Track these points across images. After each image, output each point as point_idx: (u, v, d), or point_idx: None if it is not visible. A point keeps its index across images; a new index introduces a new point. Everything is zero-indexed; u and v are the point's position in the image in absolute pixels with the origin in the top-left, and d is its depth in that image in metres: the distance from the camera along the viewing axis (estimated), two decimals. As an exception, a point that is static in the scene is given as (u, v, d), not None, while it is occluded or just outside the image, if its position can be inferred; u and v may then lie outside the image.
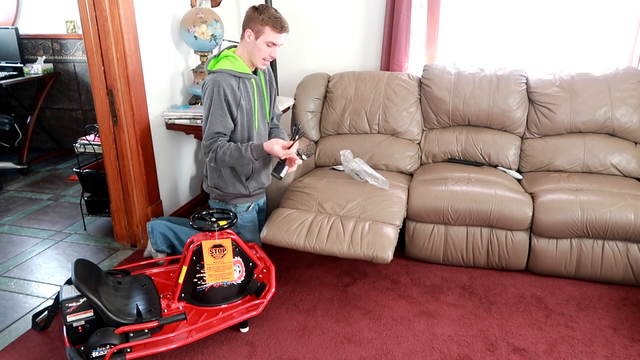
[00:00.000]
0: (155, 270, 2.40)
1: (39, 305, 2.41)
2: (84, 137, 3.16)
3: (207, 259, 2.10)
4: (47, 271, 2.73)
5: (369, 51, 3.52)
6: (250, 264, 2.23)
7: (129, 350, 1.88)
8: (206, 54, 2.96)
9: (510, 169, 2.95)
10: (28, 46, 4.54)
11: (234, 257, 2.14)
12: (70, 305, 1.91)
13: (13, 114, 4.44)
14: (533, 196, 2.61)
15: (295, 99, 3.24)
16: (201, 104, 2.78)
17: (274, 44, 2.23)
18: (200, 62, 3.01)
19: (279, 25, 2.19)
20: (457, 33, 3.39)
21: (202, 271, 2.12)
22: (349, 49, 3.55)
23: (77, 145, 3.12)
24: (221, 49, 3.02)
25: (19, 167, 4.27)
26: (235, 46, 2.35)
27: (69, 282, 2.04)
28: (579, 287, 2.48)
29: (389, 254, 2.26)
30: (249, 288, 2.21)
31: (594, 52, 3.19)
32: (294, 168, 2.35)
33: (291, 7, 3.55)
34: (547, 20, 3.20)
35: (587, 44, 3.19)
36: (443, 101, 3.03)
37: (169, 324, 2.00)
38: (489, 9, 3.29)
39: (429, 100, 3.08)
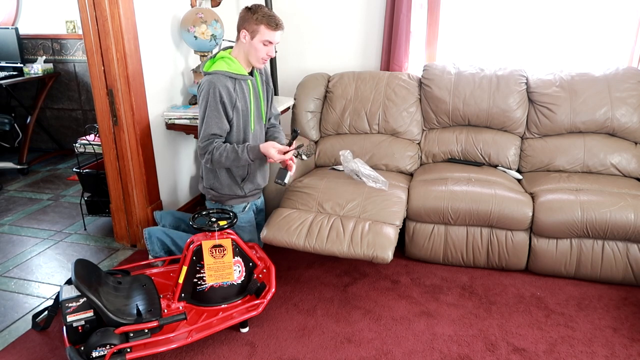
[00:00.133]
0: (155, 270, 2.40)
1: (39, 305, 2.41)
2: (84, 137, 3.16)
3: (207, 259, 2.10)
4: (47, 271, 2.73)
5: (369, 51, 3.52)
6: (250, 264, 2.23)
7: (129, 350, 1.88)
8: (206, 54, 2.96)
9: (510, 169, 2.95)
10: (28, 46, 4.54)
11: (234, 257, 2.14)
12: (70, 305, 1.91)
13: (13, 114, 4.44)
14: (533, 196, 2.61)
15: (295, 99, 3.24)
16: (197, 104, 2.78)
17: (270, 42, 2.23)
18: (200, 62, 3.01)
19: (274, 23, 2.20)
20: (457, 33, 3.39)
21: (202, 271, 2.12)
22: (349, 49, 3.55)
23: (77, 145, 3.12)
24: (220, 49, 3.02)
25: (19, 167, 4.27)
26: (231, 47, 2.35)
27: (69, 282, 2.04)
28: (579, 287, 2.48)
29: (389, 254, 2.26)
30: (249, 288, 2.21)
31: (594, 52, 3.19)
32: (293, 170, 2.34)
33: (291, 7, 3.55)
34: (547, 20, 3.20)
35: (587, 44, 3.19)
36: (443, 101, 3.03)
37: (169, 324, 2.00)
38: (489, 9, 3.29)
39: (429, 100, 3.08)
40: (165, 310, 2.09)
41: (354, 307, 2.35)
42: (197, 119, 2.79)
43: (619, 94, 2.83)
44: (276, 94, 3.61)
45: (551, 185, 2.67)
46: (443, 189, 2.62)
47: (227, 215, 2.26)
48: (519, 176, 2.88)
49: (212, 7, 3.23)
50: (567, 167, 2.86)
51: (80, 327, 1.94)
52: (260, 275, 2.30)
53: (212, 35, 2.84)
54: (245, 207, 2.50)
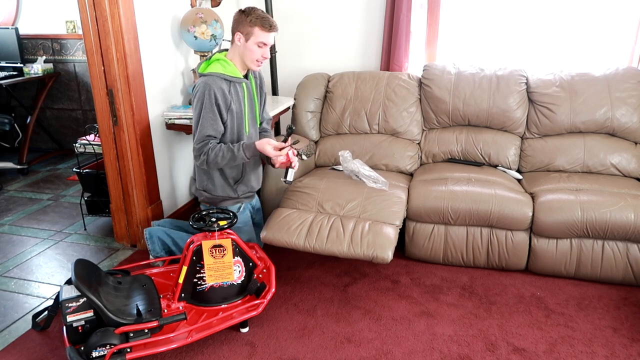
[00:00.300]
0: (155, 270, 2.40)
1: (39, 305, 2.41)
2: (84, 137, 3.16)
3: (207, 259, 2.10)
4: (47, 271, 2.73)
5: (369, 51, 3.52)
6: (250, 264, 2.23)
7: (129, 350, 1.88)
8: (206, 54, 2.96)
9: (510, 169, 2.95)
10: (28, 46, 4.54)
11: (234, 257, 2.14)
12: (70, 305, 1.91)
13: (13, 114, 4.44)
14: (533, 196, 2.61)
15: (295, 99, 3.24)
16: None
17: (265, 44, 2.24)
18: (200, 62, 3.01)
19: (268, 24, 2.21)
20: (457, 33, 3.39)
21: (202, 271, 2.12)
22: (349, 49, 3.55)
23: (77, 145, 3.12)
24: (220, 49, 3.02)
25: (19, 167, 4.27)
26: (227, 50, 2.36)
27: (69, 282, 2.03)
28: (579, 287, 2.48)
29: (389, 254, 2.26)
30: (249, 288, 2.21)
31: (594, 52, 3.19)
32: (296, 166, 2.34)
33: (291, 7, 3.55)
34: (547, 20, 3.20)
35: (587, 44, 3.19)
36: (443, 101, 3.03)
37: (169, 324, 1.99)
38: (489, 9, 3.29)
39: (429, 100, 3.08)
40: (165, 310, 2.09)
41: (354, 307, 2.35)
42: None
43: (619, 94, 2.83)
44: (276, 94, 3.61)
45: (551, 185, 2.67)
46: (443, 189, 2.62)
47: (227, 215, 2.26)
48: (519, 176, 2.88)
49: (212, 7, 3.23)
50: (567, 167, 2.86)
51: (80, 327, 1.94)
52: (260, 275, 2.30)
53: (212, 35, 2.84)
54: (239, 208, 2.50)
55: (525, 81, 2.99)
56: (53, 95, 4.63)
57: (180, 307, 2.13)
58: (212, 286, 2.14)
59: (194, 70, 3.03)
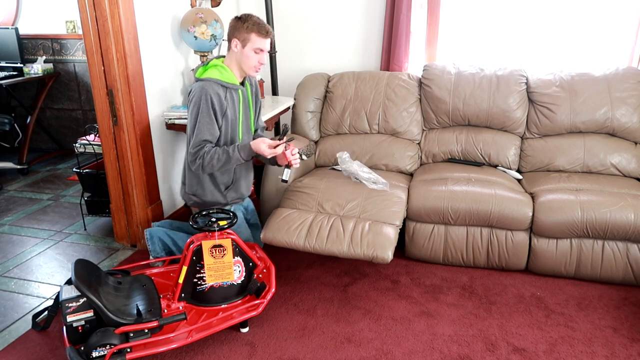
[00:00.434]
0: (155, 270, 2.40)
1: (39, 305, 2.41)
2: (84, 137, 3.16)
3: (207, 259, 2.10)
4: (47, 271, 2.73)
5: (369, 51, 3.52)
6: (250, 264, 2.23)
7: (129, 350, 1.88)
8: (206, 54, 2.96)
9: (510, 169, 2.95)
10: (28, 46, 4.54)
11: (234, 257, 2.14)
12: (70, 305, 1.91)
13: (13, 114, 4.44)
14: (533, 196, 2.61)
15: (295, 99, 3.24)
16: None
17: (261, 50, 2.27)
18: (200, 62, 3.01)
19: (264, 30, 2.24)
20: (457, 33, 3.40)
21: (202, 271, 2.12)
22: (349, 49, 3.55)
23: (77, 145, 3.12)
24: (221, 49, 3.02)
25: (19, 167, 4.27)
26: (224, 56, 2.37)
27: (69, 282, 2.03)
28: (579, 287, 2.48)
29: (389, 254, 2.26)
30: (249, 288, 2.21)
31: (594, 52, 3.19)
32: (297, 166, 2.34)
33: (291, 7, 3.55)
34: (547, 20, 3.20)
35: (587, 44, 3.19)
36: (443, 101, 3.03)
37: (169, 324, 1.99)
38: (489, 9, 3.29)
39: (429, 100, 3.08)
40: (165, 310, 2.09)
41: (354, 307, 2.35)
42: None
43: (619, 94, 2.83)
44: (276, 94, 3.61)
45: (551, 185, 2.67)
46: (443, 189, 2.62)
47: (227, 215, 2.26)
48: (519, 176, 2.88)
49: (212, 7, 3.23)
50: (567, 167, 2.86)
51: (80, 327, 1.94)
52: (260, 275, 2.30)
53: (212, 35, 2.84)
54: None
55: (525, 81, 2.99)
56: (53, 95, 4.63)
57: (180, 307, 2.13)
58: (212, 286, 2.14)
59: (194, 70, 3.03)
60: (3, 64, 4.41)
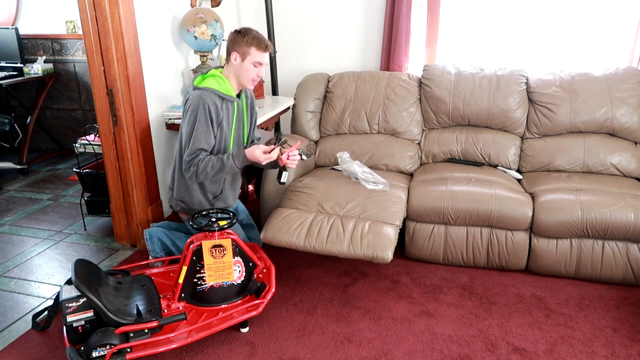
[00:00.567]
0: (155, 270, 2.40)
1: (39, 305, 2.41)
2: (84, 137, 3.16)
3: (207, 259, 2.10)
4: (47, 271, 2.73)
5: (369, 51, 3.52)
6: (250, 264, 2.23)
7: (129, 350, 1.88)
8: (206, 54, 2.96)
9: (510, 169, 2.95)
10: (28, 46, 4.54)
11: (234, 257, 2.14)
12: (70, 305, 1.91)
13: (13, 114, 4.44)
14: (533, 196, 2.61)
15: (295, 99, 3.24)
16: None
17: (260, 64, 2.30)
18: (200, 62, 3.01)
19: (263, 45, 2.27)
20: (457, 33, 3.40)
21: (202, 271, 2.12)
22: (349, 49, 3.55)
23: (77, 145, 3.12)
24: (221, 49, 3.03)
25: (19, 167, 4.26)
26: (222, 67, 2.39)
27: (69, 282, 2.03)
28: (579, 287, 2.48)
29: (389, 254, 2.27)
30: (249, 288, 2.21)
31: (594, 52, 3.19)
32: (293, 166, 2.35)
33: (291, 7, 3.55)
34: (547, 20, 3.20)
35: (587, 44, 3.19)
36: (443, 101, 3.03)
37: (169, 324, 1.99)
38: (489, 9, 3.29)
39: (429, 100, 3.08)
40: (165, 310, 2.09)
41: (354, 307, 2.35)
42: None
43: (619, 94, 2.83)
44: (276, 94, 3.61)
45: (551, 185, 2.67)
46: (443, 189, 2.62)
47: (227, 215, 2.26)
48: (519, 176, 2.88)
49: (212, 7, 3.23)
50: (567, 167, 2.86)
51: (80, 327, 1.94)
52: (260, 275, 2.30)
53: (212, 35, 2.84)
54: None
55: (525, 81, 2.99)
56: (53, 95, 4.63)
57: (180, 307, 2.13)
58: (212, 286, 2.14)
59: (194, 70, 3.03)
60: (3, 64, 4.41)
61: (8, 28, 4.36)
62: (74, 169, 3.15)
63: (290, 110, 3.30)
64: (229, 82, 2.32)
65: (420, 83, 3.15)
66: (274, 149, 2.26)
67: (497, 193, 2.55)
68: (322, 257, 2.70)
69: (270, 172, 2.76)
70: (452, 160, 3.03)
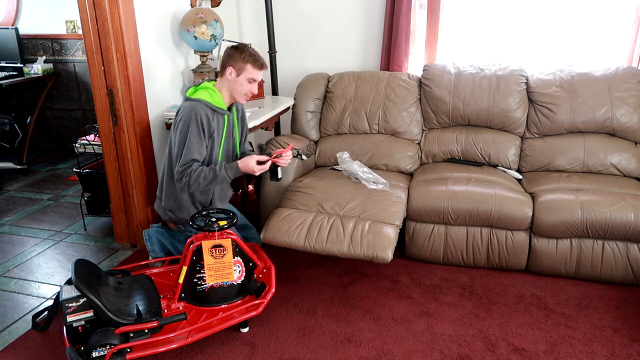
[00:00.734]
0: (155, 270, 2.40)
1: (39, 305, 2.41)
2: (84, 137, 3.16)
3: (207, 259, 2.10)
4: (47, 271, 2.73)
5: (369, 51, 3.52)
6: (250, 264, 2.23)
7: (129, 350, 1.88)
8: (206, 54, 2.97)
9: (510, 168, 2.94)
10: (28, 46, 4.54)
11: (234, 257, 2.14)
12: (70, 305, 1.91)
13: (13, 114, 4.44)
14: (533, 196, 2.61)
15: (295, 99, 3.24)
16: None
17: (254, 80, 2.32)
18: (200, 62, 3.01)
19: (259, 63, 2.30)
20: (457, 33, 3.39)
21: (202, 271, 2.12)
22: (349, 49, 3.55)
23: (77, 145, 3.12)
24: (220, 49, 3.03)
25: (19, 167, 4.27)
26: (215, 80, 2.40)
27: (69, 282, 2.03)
28: (579, 287, 2.48)
29: (389, 254, 2.27)
30: (249, 288, 2.21)
31: (594, 52, 3.19)
32: (288, 161, 2.38)
33: (291, 7, 3.55)
34: (547, 20, 3.20)
35: (587, 44, 3.19)
36: (443, 101, 3.03)
37: (169, 324, 1.99)
38: (489, 8, 3.28)
39: (429, 100, 3.08)
40: (165, 310, 2.09)
41: (354, 307, 2.35)
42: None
43: (619, 93, 2.83)
44: (276, 94, 3.61)
45: (551, 185, 2.67)
46: (443, 189, 2.62)
47: (227, 215, 2.26)
48: (519, 176, 2.88)
49: (212, 7, 3.23)
50: (567, 167, 2.86)
51: (80, 327, 1.94)
52: (260, 275, 2.30)
53: (212, 35, 2.84)
54: None
55: (525, 81, 2.99)
56: (53, 95, 4.63)
57: (180, 307, 2.13)
58: (212, 286, 2.13)
59: (194, 70, 3.03)
60: (3, 64, 4.41)
61: (8, 28, 4.36)
62: (74, 169, 3.15)
63: (290, 110, 3.30)
64: (221, 95, 2.33)
65: (420, 83, 3.15)
66: (268, 160, 2.30)
67: (497, 193, 2.55)
68: (322, 257, 2.70)
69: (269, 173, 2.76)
70: (452, 160, 3.03)
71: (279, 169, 2.39)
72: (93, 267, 2.13)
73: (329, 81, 3.29)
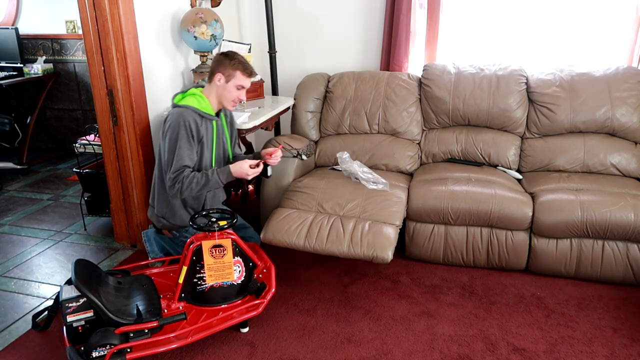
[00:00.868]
0: (155, 271, 2.40)
1: (39, 305, 2.41)
2: (84, 137, 3.16)
3: (207, 259, 2.10)
4: (47, 271, 2.73)
5: (369, 51, 3.52)
6: (250, 264, 2.23)
7: (129, 350, 1.88)
8: (206, 54, 2.96)
9: (510, 168, 2.94)
10: (28, 46, 4.54)
11: (234, 257, 2.14)
12: (70, 305, 1.91)
13: (13, 114, 4.44)
14: (533, 196, 2.61)
15: (295, 99, 3.24)
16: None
17: (243, 87, 2.33)
18: (200, 62, 3.01)
19: (248, 70, 2.32)
20: (457, 33, 3.39)
21: (202, 271, 2.12)
22: (349, 49, 3.55)
23: (77, 145, 3.12)
24: (221, 49, 3.03)
25: (19, 167, 4.27)
26: (202, 86, 2.41)
27: (69, 282, 2.03)
28: (579, 287, 2.48)
29: (389, 254, 2.27)
30: (249, 288, 2.21)
31: (594, 52, 3.19)
32: (278, 160, 2.41)
33: (291, 7, 3.55)
34: (547, 20, 3.20)
35: (587, 44, 3.19)
36: (443, 101, 3.03)
37: (169, 324, 1.99)
38: (488, 8, 3.28)
39: (429, 100, 3.08)
40: (165, 310, 2.09)
41: (354, 307, 2.35)
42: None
43: (619, 93, 2.83)
44: (276, 94, 3.61)
45: (551, 185, 2.67)
46: (443, 189, 2.62)
47: (227, 216, 2.26)
48: (519, 176, 2.88)
49: (212, 7, 3.23)
50: (567, 167, 2.86)
51: (80, 327, 1.94)
52: (260, 275, 2.30)
53: (212, 35, 2.84)
54: None
55: (525, 81, 2.99)
56: (53, 95, 4.63)
57: (180, 307, 2.13)
58: (212, 286, 2.13)
59: (194, 70, 3.03)
60: (3, 64, 4.41)
61: (8, 28, 4.36)
62: (74, 169, 3.16)
63: (290, 110, 3.30)
64: (209, 101, 2.34)
65: (420, 83, 3.14)
66: (259, 162, 2.31)
67: (497, 193, 2.55)
68: (322, 257, 2.70)
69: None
70: (452, 160, 3.03)
71: (268, 167, 2.46)
72: (93, 267, 2.13)
73: (329, 81, 3.29)
